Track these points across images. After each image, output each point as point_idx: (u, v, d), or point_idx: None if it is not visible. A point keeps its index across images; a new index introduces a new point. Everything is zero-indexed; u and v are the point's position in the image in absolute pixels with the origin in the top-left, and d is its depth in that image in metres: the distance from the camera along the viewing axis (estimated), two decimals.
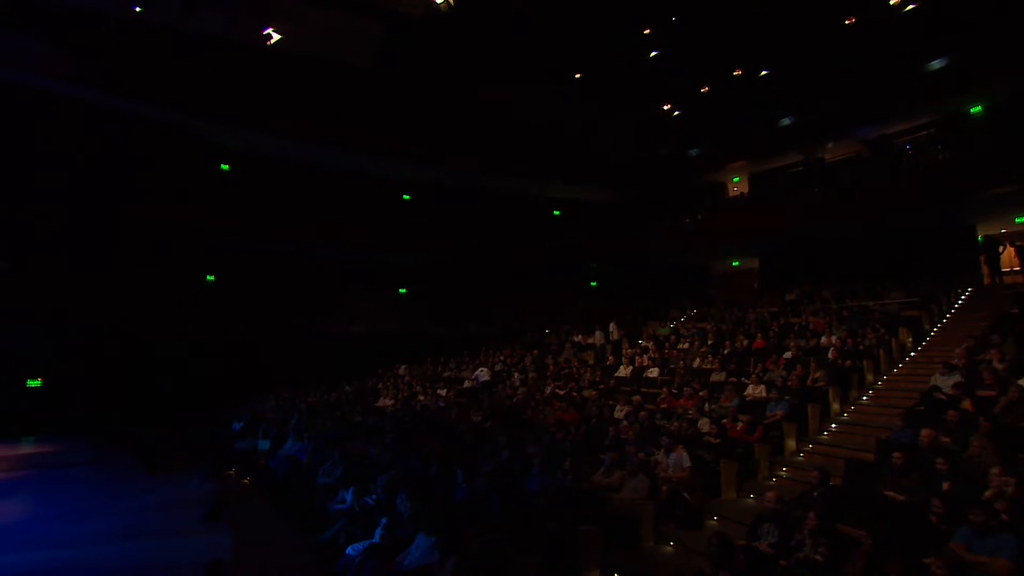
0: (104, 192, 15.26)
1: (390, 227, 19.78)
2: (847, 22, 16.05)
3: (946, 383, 7.47)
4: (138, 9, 14.73)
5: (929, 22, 14.71)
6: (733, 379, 10.38)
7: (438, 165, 20.06)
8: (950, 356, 8.67)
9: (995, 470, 4.51)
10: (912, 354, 10.55)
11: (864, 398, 9.33)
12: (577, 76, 20.45)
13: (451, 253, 20.46)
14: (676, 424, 8.55)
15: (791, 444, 8.15)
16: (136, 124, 16.39)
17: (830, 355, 10.22)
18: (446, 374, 16.32)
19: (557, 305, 21.95)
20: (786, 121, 18.68)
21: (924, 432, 5.62)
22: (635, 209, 23.06)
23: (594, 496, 6.19)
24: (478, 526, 5.78)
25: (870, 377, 9.83)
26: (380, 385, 15.68)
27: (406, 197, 21.35)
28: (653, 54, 19.62)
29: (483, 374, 14.47)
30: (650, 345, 14.35)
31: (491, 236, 21.14)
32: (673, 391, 10.47)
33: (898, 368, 10.15)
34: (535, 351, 16.39)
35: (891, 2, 14.46)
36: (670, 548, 5.92)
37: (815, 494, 5.28)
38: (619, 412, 9.76)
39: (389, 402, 13.83)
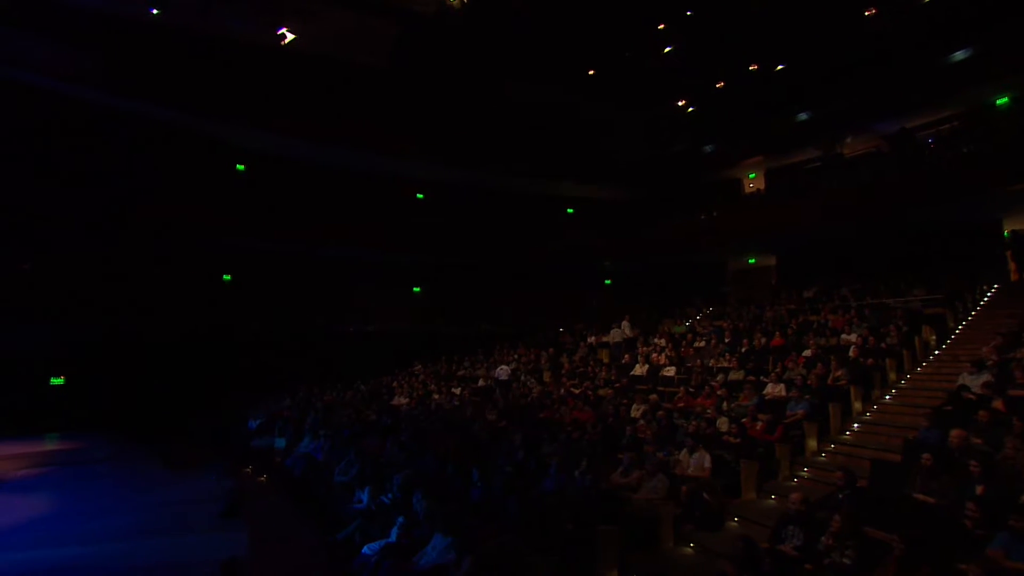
0: (122, 193, 15.44)
1: (404, 226, 19.80)
2: (867, 13, 15.74)
3: (975, 382, 7.25)
4: (155, 11, 14.95)
5: (951, 12, 14.36)
6: (751, 378, 10.19)
7: (451, 164, 20.03)
8: (977, 354, 8.43)
9: None
10: (936, 352, 10.29)
11: (887, 397, 9.11)
12: (590, 73, 20.33)
13: (464, 252, 20.43)
14: (694, 423, 8.42)
15: (812, 444, 7.99)
16: (153, 126, 16.56)
17: (851, 353, 10.01)
18: (460, 373, 16.30)
19: (571, 304, 21.83)
20: (803, 116, 18.34)
21: (954, 433, 5.45)
22: (649, 207, 22.84)
23: (612, 496, 6.11)
24: (495, 526, 5.73)
25: (893, 376, 9.60)
26: (395, 384, 15.71)
27: (419, 196, 21.36)
28: (667, 50, 19.44)
29: (503, 372, 14.42)
30: (663, 343, 14.19)
31: (504, 235, 21.08)
32: (690, 390, 10.33)
33: (922, 367, 9.91)
34: (550, 350, 16.29)
35: None
36: (690, 549, 5.82)
37: (840, 496, 5.14)
38: (635, 411, 9.65)
39: (404, 400, 13.84)
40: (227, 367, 16.31)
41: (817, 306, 14.44)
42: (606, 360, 14.79)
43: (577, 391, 11.86)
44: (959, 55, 14.25)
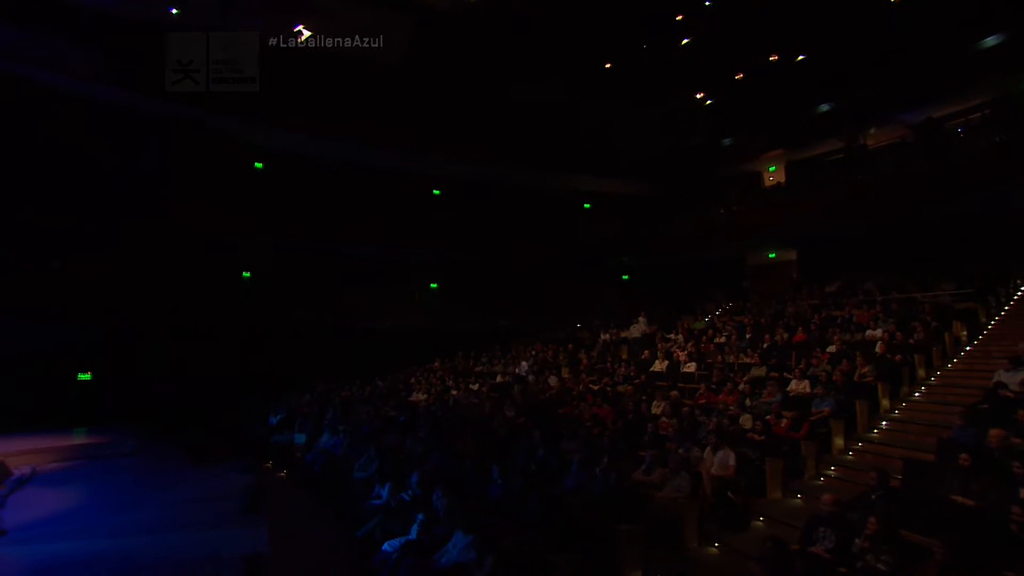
0: (144, 193, 15.69)
1: (421, 223, 19.82)
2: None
3: (1013, 379, 6.99)
4: (175, 11, 15.09)
5: None
6: (774, 374, 9.99)
7: (467, 160, 20.00)
8: (1013, 350, 8.12)
9: None
10: (968, 348, 9.98)
11: (916, 395, 8.85)
12: (607, 66, 20.11)
13: (481, 248, 20.39)
14: (715, 420, 8.26)
15: (839, 442, 7.78)
16: (172, 125, 16.76)
17: (878, 349, 9.75)
18: (478, 369, 16.28)
19: (589, 299, 21.69)
20: (825, 107, 17.95)
21: (993, 432, 5.24)
22: (667, 201, 22.58)
23: (634, 494, 6.02)
24: (516, 524, 5.67)
25: (922, 372, 9.32)
26: (413, 380, 15.74)
27: (436, 192, 21.36)
28: (685, 41, 19.14)
29: (524, 368, 14.38)
30: (680, 339, 14.00)
31: (521, 230, 21.00)
32: (712, 386, 10.16)
33: (953, 363, 9.60)
34: (569, 346, 16.19)
35: None
36: (715, 549, 5.71)
37: (873, 497, 4.98)
38: (656, 407, 9.52)
39: (422, 397, 13.86)
40: (247, 363, 16.51)
41: (841, 301, 14.12)
42: (625, 356, 14.64)
43: (596, 387, 11.75)
44: (989, 41, 13.81)
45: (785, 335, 11.99)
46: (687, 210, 21.47)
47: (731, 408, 8.80)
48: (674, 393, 10.02)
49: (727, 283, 20.27)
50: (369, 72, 17.56)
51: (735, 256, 21.07)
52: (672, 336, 14.53)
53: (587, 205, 23.36)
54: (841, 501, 4.80)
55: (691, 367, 11.97)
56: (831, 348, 10.45)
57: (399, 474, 7.19)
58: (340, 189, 19.21)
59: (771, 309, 14.87)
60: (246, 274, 18.31)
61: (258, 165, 18.62)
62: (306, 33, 13.70)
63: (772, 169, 20.79)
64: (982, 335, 10.27)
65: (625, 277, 23.66)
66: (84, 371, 15.99)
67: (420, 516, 5.68)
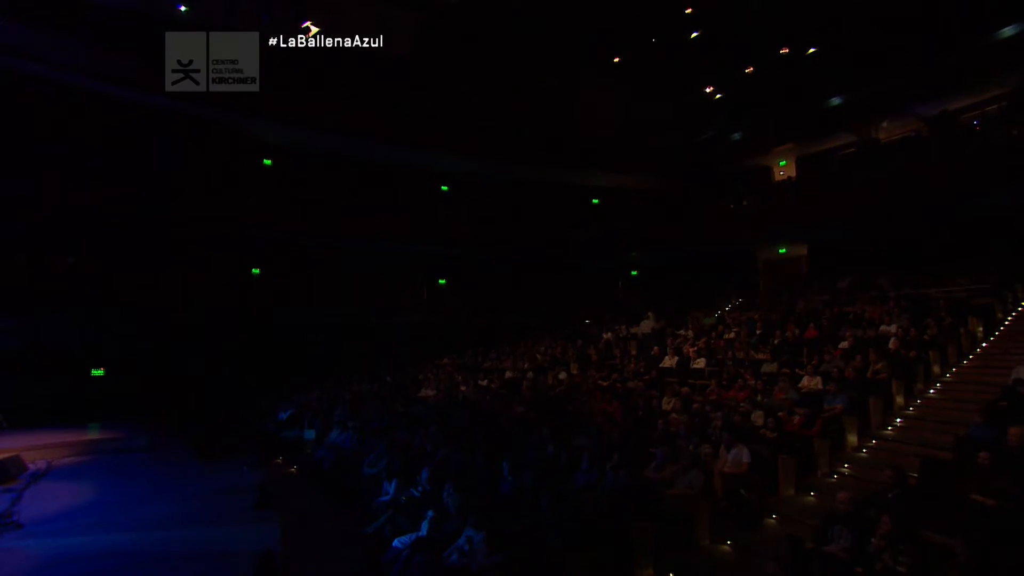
0: (155, 189, 15.77)
1: (428, 218, 19.82)
2: None
3: None
4: (183, 8, 15.13)
5: None
6: (786, 370, 9.89)
7: (476, 156, 19.94)
8: None
9: None
10: (984, 344, 9.84)
11: (931, 391, 8.73)
12: (616, 60, 19.95)
13: (489, 243, 20.36)
14: (721, 416, 8.18)
15: (852, 439, 7.70)
16: (181, 122, 16.81)
17: (891, 345, 9.63)
18: (487, 365, 16.26)
19: (597, 295, 21.62)
20: (836, 100, 17.70)
21: (1013, 430, 5.14)
22: (676, 196, 22.43)
23: (646, 491, 5.97)
24: (527, 521, 5.66)
25: (937, 369, 9.21)
26: (422, 376, 15.76)
27: (444, 188, 21.33)
28: (694, 35, 18.93)
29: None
30: (690, 335, 13.91)
31: (529, 226, 20.93)
32: (723, 382, 10.08)
33: (968, 360, 9.48)
34: (578, 341, 16.14)
35: None
36: (727, 547, 5.66)
37: (890, 495, 4.91)
38: (667, 404, 9.46)
39: (431, 392, 13.87)
40: (257, 359, 16.59)
41: (853, 296, 13.97)
42: (634, 352, 14.57)
43: (605, 383, 11.70)
44: (1007, 31, 13.52)
45: (796, 331, 11.88)
46: (696, 205, 21.31)
47: (742, 404, 8.72)
48: (684, 389, 9.95)
49: (737, 278, 20.12)
50: (378, 67, 17.53)
51: (745, 251, 20.90)
52: (682, 332, 14.44)
53: (596, 200, 23.25)
54: (857, 499, 4.74)
55: (701, 363, 11.89)
56: (843, 344, 10.33)
57: (409, 470, 7.19)
58: (349, 185, 19.23)
59: (782, 305, 14.74)
60: (255, 270, 18.39)
61: (267, 162, 18.66)
62: (313, 29, 13.65)
63: (782, 163, 20.56)
64: (999, 331, 10.13)
65: (634, 273, 23.56)
66: (97, 367, 16.15)
67: (430, 513, 5.67)
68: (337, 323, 18.37)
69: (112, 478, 9.90)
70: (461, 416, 10.42)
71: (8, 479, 9.24)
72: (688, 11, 18.04)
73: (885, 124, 17.38)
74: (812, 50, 18.31)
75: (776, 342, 11.71)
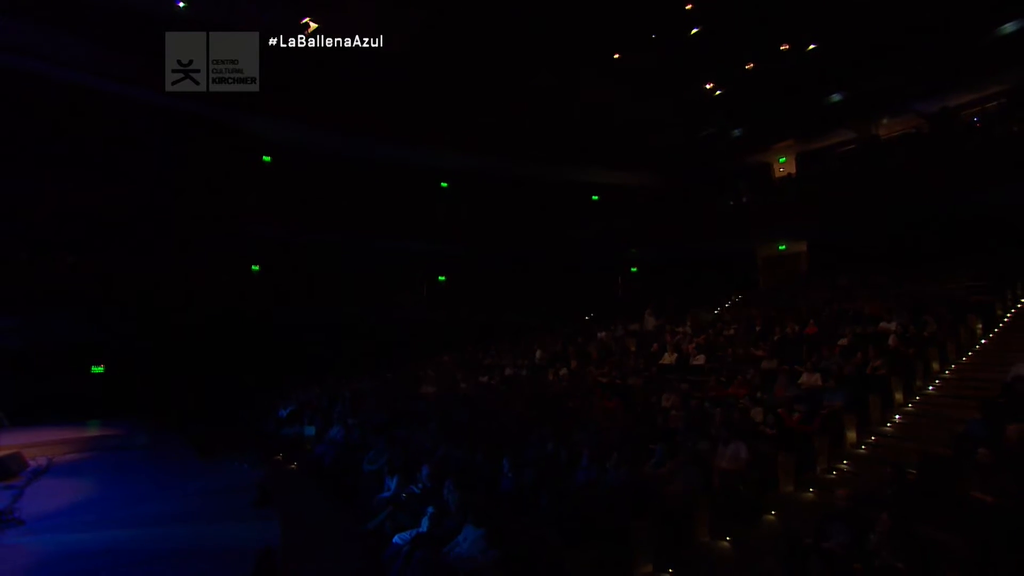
0: (155, 187, 15.76)
1: (428, 215, 19.82)
2: None
3: None
4: (182, 4, 15.08)
5: None
6: (785, 367, 9.90)
7: (475, 153, 19.93)
8: None
9: None
10: (983, 341, 9.85)
11: (931, 388, 8.75)
12: (615, 56, 19.90)
13: (489, 241, 20.36)
14: (721, 412, 8.19)
15: (851, 436, 7.70)
16: (179, 119, 16.79)
17: (890, 342, 9.64)
18: (487, 361, 16.28)
19: (597, 292, 21.63)
20: (836, 97, 17.67)
21: (1012, 427, 5.16)
22: (676, 193, 22.41)
23: (645, 488, 5.98)
24: (527, 518, 5.67)
25: (936, 366, 9.22)
26: (422, 373, 15.77)
27: (444, 185, 21.32)
28: (694, 31, 18.89)
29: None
30: (689, 331, 13.92)
31: (529, 223, 20.93)
32: (722, 379, 10.09)
33: (967, 356, 9.49)
34: (578, 338, 16.16)
35: None
36: (726, 543, 5.67)
37: (888, 492, 4.92)
38: (666, 401, 9.47)
39: (431, 389, 13.88)
40: (257, 356, 16.59)
41: (852, 293, 13.98)
42: (634, 349, 14.59)
43: (605, 380, 11.72)
44: (1008, 27, 13.49)
45: (796, 328, 11.89)
46: (696, 202, 21.29)
47: (741, 401, 8.73)
48: (684, 386, 9.96)
49: (737, 275, 20.13)
50: (377, 65, 17.48)
51: (744, 248, 20.91)
52: (681, 329, 14.45)
53: (595, 197, 23.24)
54: (856, 496, 4.75)
55: (700, 360, 11.90)
56: (842, 341, 10.34)
57: (409, 467, 7.20)
58: (348, 182, 19.22)
59: (781, 301, 14.75)
60: (255, 267, 18.39)
61: (266, 159, 18.64)
62: (313, 25, 13.62)
63: (782, 160, 20.55)
64: (997, 328, 10.14)
65: (634, 269, 23.56)
66: (97, 364, 16.17)
67: (430, 509, 5.68)
68: (337, 321, 18.37)
69: (112, 475, 9.92)
70: (461, 413, 10.44)
71: (9, 476, 9.27)
72: (688, 7, 18.00)
73: (885, 121, 17.36)
74: (812, 47, 18.27)
75: (775, 339, 11.73)
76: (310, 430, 11.34)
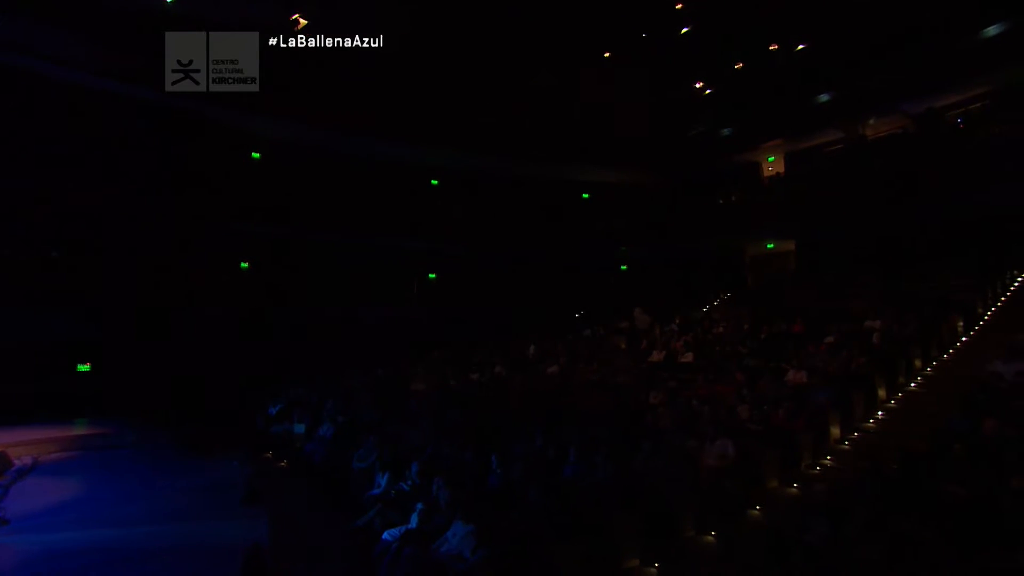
0: (141, 183, 15.61)
1: (419, 213, 19.78)
2: None
3: (1008, 369, 7.05)
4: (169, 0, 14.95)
5: None
6: (772, 364, 10.04)
7: (465, 150, 19.89)
8: (1011, 341, 8.18)
9: None
10: (963, 339, 10.05)
11: (912, 385, 8.94)
12: (606, 55, 19.98)
13: (479, 238, 20.37)
14: (708, 408, 8.30)
15: (835, 432, 7.85)
16: (167, 114, 16.63)
17: (874, 340, 9.81)
18: (477, 359, 16.30)
19: (588, 290, 21.71)
20: (824, 97, 17.84)
21: (987, 421, 5.29)
22: (665, 191, 22.52)
23: (633, 484, 6.06)
24: (515, 513, 5.72)
25: (918, 363, 9.41)
26: (412, 370, 15.76)
27: (434, 183, 21.30)
28: (684, 30, 19.01)
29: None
30: (678, 329, 14.05)
31: (520, 220, 20.96)
32: (710, 377, 10.21)
33: (949, 354, 9.69)
34: (568, 336, 16.23)
35: None
36: (711, 538, 5.77)
37: (867, 485, 5.02)
38: (654, 398, 9.57)
39: (421, 386, 13.88)
40: (246, 354, 16.49)
41: (839, 292, 14.18)
42: (623, 346, 14.69)
43: (595, 378, 11.80)
44: (991, 30, 13.70)
45: (783, 326, 12.05)
46: (686, 200, 21.43)
47: (728, 398, 8.85)
48: (672, 383, 10.06)
49: (725, 273, 20.29)
50: (364, 61, 17.42)
51: (733, 246, 21.09)
52: (670, 327, 14.57)
53: (585, 195, 23.30)
54: (835, 490, 4.85)
55: (689, 357, 12.03)
56: (828, 339, 10.50)
57: (399, 464, 7.23)
58: (337, 178, 19.13)
59: (769, 300, 14.92)
60: (244, 264, 18.28)
61: (255, 155, 18.52)
62: (303, 22, 13.55)
63: (771, 160, 20.73)
64: (978, 326, 10.34)
65: (624, 268, 23.67)
66: (83, 362, 15.98)
67: (419, 506, 5.72)
68: (327, 317, 18.31)
69: (99, 474, 9.83)
70: (451, 410, 10.47)
71: None
72: (678, 7, 18.12)
73: (872, 121, 17.54)
74: (801, 47, 18.45)
75: (763, 337, 11.88)
76: (300, 428, 11.29)
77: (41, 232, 15.35)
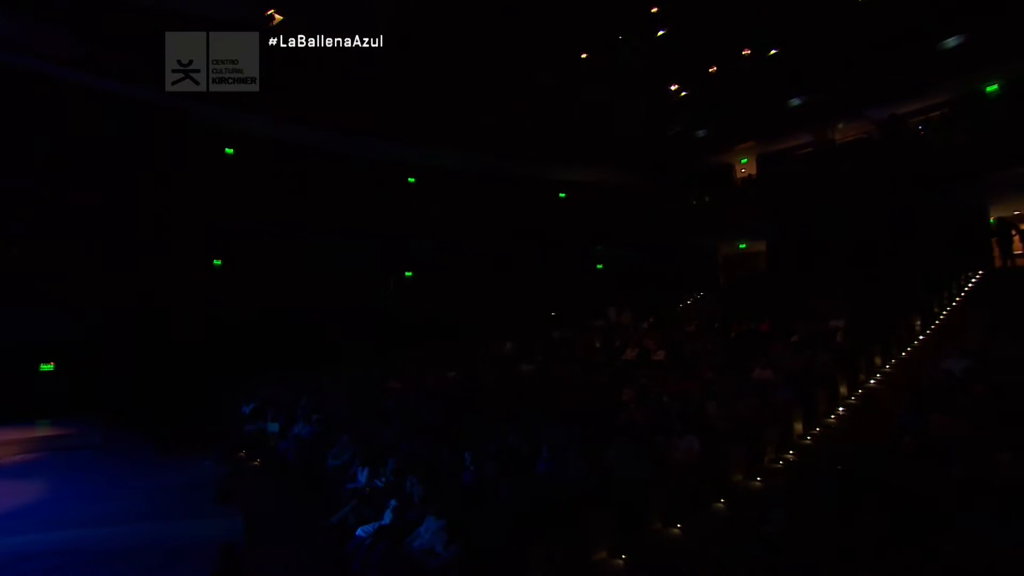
0: (111, 177, 15.25)
1: (395, 210, 19.72)
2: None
3: (958, 367, 7.42)
4: None
5: None
6: (739, 362, 10.35)
7: (443, 148, 19.90)
8: (961, 340, 8.61)
9: (1006, 456, 4.49)
10: (921, 337, 10.49)
11: (872, 381, 9.30)
12: (583, 56, 20.18)
13: (456, 236, 20.40)
14: (677, 406, 8.52)
15: (798, 427, 8.14)
16: (139, 109, 16.27)
17: (838, 338, 10.17)
18: (453, 356, 16.35)
19: (563, 288, 21.92)
20: (795, 101, 18.35)
21: (935, 417, 5.59)
22: (641, 191, 22.85)
23: (603, 480, 6.22)
24: (487, 509, 5.83)
25: (878, 360, 9.79)
26: (387, 367, 15.73)
27: (411, 180, 21.24)
28: (660, 33, 19.33)
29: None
30: (650, 328, 14.34)
31: (496, 219, 21.05)
32: (680, 374, 10.46)
33: (907, 352, 10.10)
34: (543, 334, 16.40)
35: None
36: (677, 530, 5.96)
37: (824, 479, 5.28)
38: (626, 395, 9.77)
39: (397, 384, 13.88)
40: (218, 352, 16.26)
41: (806, 291, 14.62)
42: (598, 344, 14.91)
43: (569, 376, 11.97)
44: (951, 41, 14.28)
45: (751, 324, 12.39)
46: (661, 200, 21.78)
47: (696, 395, 9.09)
48: (642, 381, 10.28)
49: (698, 273, 20.70)
50: (341, 57, 17.28)
51: (707, 246, 21.53)
52: (644, 325, 14.84)
53: (562, 194, 23.51)
54: (794, 483, 5.08)
55: (661, 355, 12.28)
56: (794, 337, 10.84)
57: (373, 462, 7.27)
58: (313, 175, 18.97)
59: (739, 299, 15.30)
60: (216, 261, 17.99)
61: (228, 151, 18.23)
62: (278, 17, 13.41)
63: (744, 161, 21.20)
64: (935, 325, 10.80)
65: (599, 267, 23.96)
66: (47, 361, 15.54)
67: (393, 502, 5.79)
68: (302, 315, 18.14)
69: (66, 475, 9.63)
70: (426, 408, 10.52)
71: None
72: (654, 10, 18.41)
73: (841, 126, 18.11)
74: (773, 52, 18.92)
75: (732, 335, 12.20)
76: (273, 427, 11.21)
77: (4, 226, 14.89)
